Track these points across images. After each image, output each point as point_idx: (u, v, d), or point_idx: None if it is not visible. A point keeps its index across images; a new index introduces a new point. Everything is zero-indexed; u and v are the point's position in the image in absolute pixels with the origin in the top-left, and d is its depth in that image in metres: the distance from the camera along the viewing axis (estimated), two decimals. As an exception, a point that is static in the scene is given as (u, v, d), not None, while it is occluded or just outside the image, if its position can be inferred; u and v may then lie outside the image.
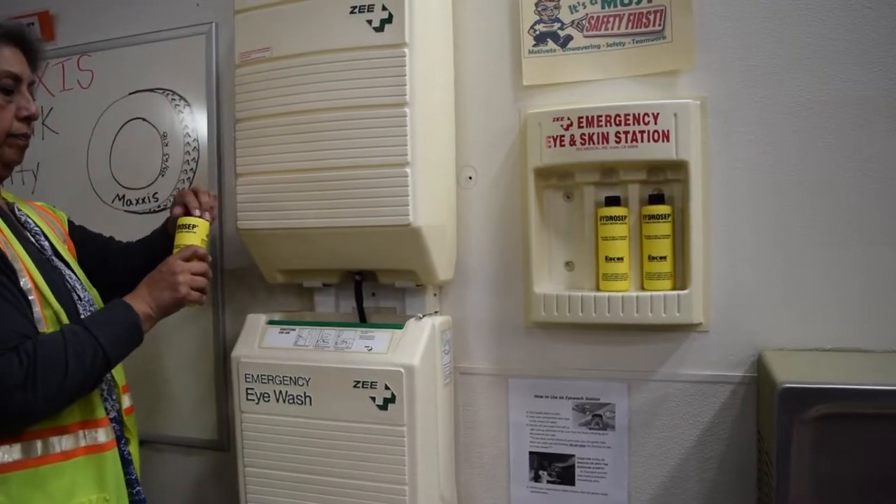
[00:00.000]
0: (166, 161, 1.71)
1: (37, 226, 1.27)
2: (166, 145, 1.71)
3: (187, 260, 1.27)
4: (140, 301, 1.20)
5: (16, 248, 1.12)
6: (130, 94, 1.75)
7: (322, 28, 1.31)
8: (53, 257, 1.24)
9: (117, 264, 1.40)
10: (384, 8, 1.27)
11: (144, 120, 1.74)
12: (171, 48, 1.71)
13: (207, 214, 1.34)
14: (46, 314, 1.11)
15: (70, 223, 1.42)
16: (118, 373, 1.27)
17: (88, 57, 1.81)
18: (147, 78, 1.74)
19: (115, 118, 1.77)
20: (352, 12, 1.29)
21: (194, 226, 1.32)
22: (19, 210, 1.27)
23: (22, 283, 1.09)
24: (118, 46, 1.78)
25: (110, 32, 1.79)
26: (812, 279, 1.28)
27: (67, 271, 1.24)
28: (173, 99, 1.71)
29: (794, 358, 1.24)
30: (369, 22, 1.28)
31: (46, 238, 1.26)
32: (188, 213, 1.33)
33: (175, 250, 1.29)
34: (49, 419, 1.09)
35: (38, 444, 1.09)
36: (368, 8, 1.28)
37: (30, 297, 1.10)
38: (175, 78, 1.71)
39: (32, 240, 1.23)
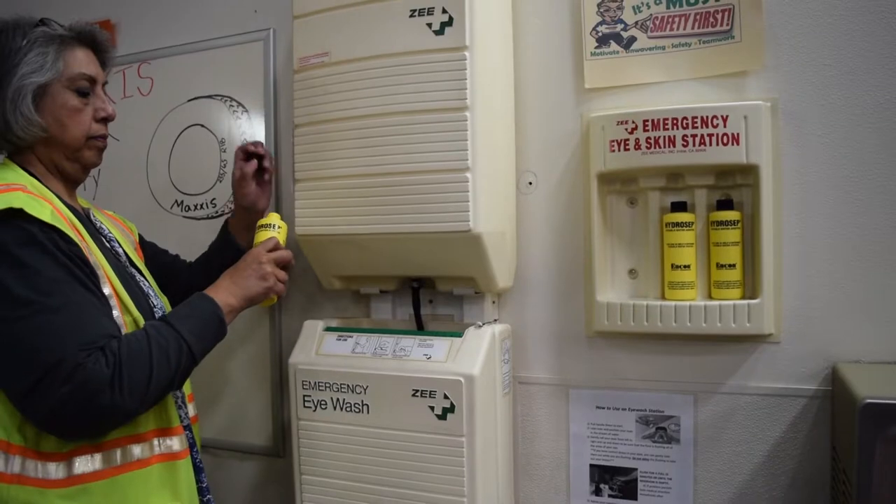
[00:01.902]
0: (224, 167, 1.72)
1: (110, 232, 1.28)
2: (224, 151, 1.72)
3: (271, 251, 1.28)
4: (223, 292, 1.21)
5: (97, 255, 1.13)
6: (189, 100, 1.77)
7: (381, 32, 1.30)
8: (128, 264, 1.25)
9: (182, 281, 1.42)
10: (444, 11, 1.26)
11: (203, 126, 1.75)
12: (229, 55, 1.73)
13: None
14: (126, 321, 1.12)
15: (140, 236, 1.44)
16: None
17: (148, 65, 1.84)
18: (205, 84, 1.76)
19: (174, 125, 1.79)
20: (411, 15, 1.28)
21: (277, 226, 1.35)
22: (94, 216, 1.28)
23: (104, 290, 1.10)
24: (177, 54, 1.80)
25: (170, 40, 1.82)
26: (890, 288, 1.22)
27: (141, 278, 1.25)
28: (231, 105, 1.72)
29: (873, 371, 1.18)
30: (429, 25, 1.27)
31: (120, 245, 1.28)
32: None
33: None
34: (129, 424, 1.10)
35: (118, 452, 1.09)
36: (428, 11, 1.26)
37: (111, 303, 1.10)
38: (233, 84, 1.72)
39: (108, 246, 1.24)
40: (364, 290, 1.49)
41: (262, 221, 1.37)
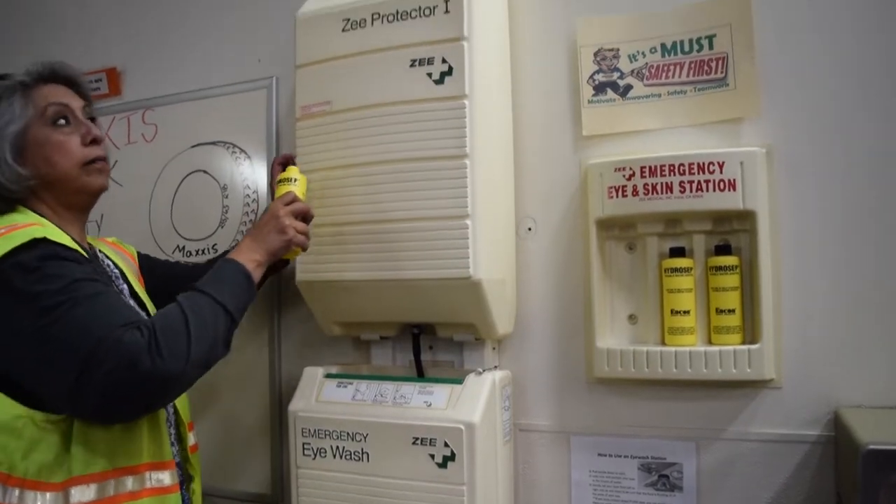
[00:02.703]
0: (226, 213, 1.73)
1: (116, 267, 1.29)
2: (226, 197, 1.74)
3: (288, 204, 1.28)
4: (245, 252, 1.21)
5: None
6: (192, 146, 1.79)
7: (382, 81, 1.32)
8: (131, 299, 1.26)
9: (183, 282, 1.41)
10: (444, 61, 1.28)
11: (205, 172, 1.77)
12: (233, 102, 1.75)
13: None
14: None
15: (138, 254, 1.45)
16: (184, 409, 1.27)
17: (153, 111, 1.86)
18: (209, 131, 1.78)
19: (177, 170, 1.81)
20: (412, 65, 1.30)
21: (295, 179, 1.33)
22: (101, 252, 1.30)
23: None
24: (182, 101, 1.82)
25: (174, 88, 1.84)
26: (891, 331, 1.22)
27: (143, 313, 1.25)
28: (233, 151, 1.74)
29: (876, 416, 1.17)
30: (429, 75, 1.29)
31: (126, 279, 1.29)
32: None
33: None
34: (125, 455, 1.10)
35: (112, 483, 1.09)
36: (428, 61, 1.29)
37: None
38: (236, 131, 1.74)
39: (114, 284, 1.25)
40: (364, 337, 1.49)
41: (282, 176, 1.35)
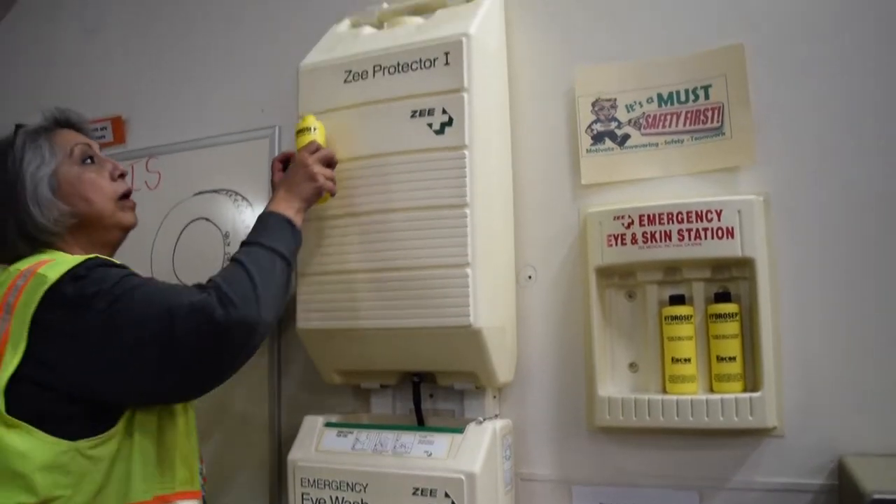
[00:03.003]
0: (227, 260, 1.73)
1: None
2: (228, 245, 1.75)
3: (314, 153, 1.32)
4: (281, 203, 1.26)
5: None
6: (195, 194, 1.81)
7: (383, 132, 1.34)
8: None
9: None
10: (444, 112, 1.30)
11: (207, 220, 1.78)
12: (235, 151, 1.77)
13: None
14: None
15: None
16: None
17: (156, 159, 1.88)
18: (211, 179, 1.80)
19: (180, 218, 1.82)
20: (412, 116, 1.32)
21: (314, 128, 1.37)
22: None
23: None
24: (185, 149, 1.85)
25: (178, 136, 1.87)
26: (893, 378, 1.22)
27: None
28: (236, 199, 1.76)
29: (879, 464, 1.16)
30: (430, 125, 1.31)
31: None
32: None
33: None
34: (159, 482, 1.12)
35: None
36: (429, 112, 1.31)
37: None
38: (238, 179, 1.76)
39: None
40: (364, 385, 1.48)
41: (300, 126, 1.38)
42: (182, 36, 1.93)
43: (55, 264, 1.09)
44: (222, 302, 1.05)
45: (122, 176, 1.27)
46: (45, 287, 1.06)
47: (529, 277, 1.46)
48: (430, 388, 1.45)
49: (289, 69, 1.53)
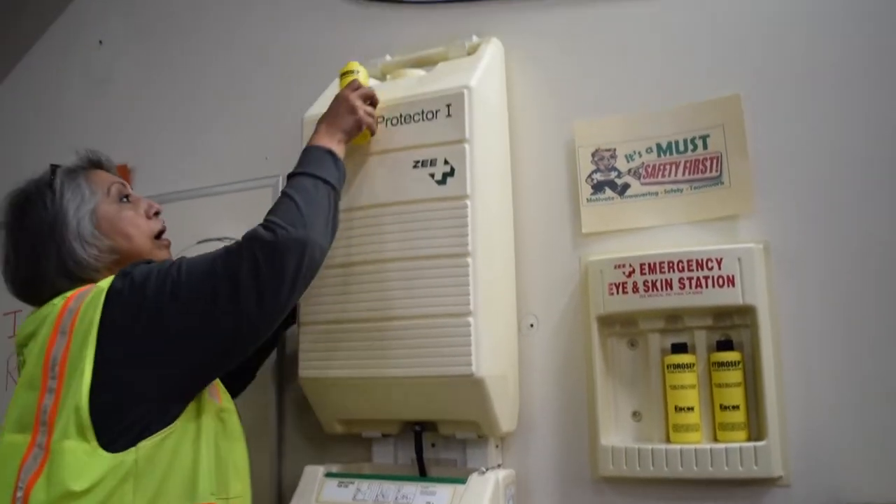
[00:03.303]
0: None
1: None
2: (230, 292, 1.75)
3: (355, 90, 1.35)
4: (322, 136, 1.29)
5: None
6: (199, 242, 1.81)
7: (386, 182, 1.36)
8: None
9: None
10: (446, 162, 1.31)
11: (210, 268, 1.78)
12: (239, 199, 1.79)
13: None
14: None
15: None
16: None
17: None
18: (214, 227, 1.80)
19: (183, 266, 1.82)
20: (414, 166, 1.34)
21: (357, 70, 1.41)
22: None
23: None
24: (189, 198, 1.86)
25: (182, 184, 1.89)
26: (898, 427, 1.21)
27: None
28: (239, 247, 1.76)
29: (886, 514, 1.16)
30: (432, 175, 1.32)
31: None
32: None
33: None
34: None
35: None
36: (431, 162, 1.32)
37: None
38: (241, 227, 1.70)
39: None
40: (366, 434, 1.47)
41: (343, 70, 1.42)
42: (187, 86, 1.97)
43: (102, 282, 1.12)
44: (269, 228, 1.11)
45: (157, 214, 1.31)
46: (103, 293, 1.09)
47: (531, 326, 1.46)
48: (432, 438, 1.43)
49: (293, 120, 1.55)
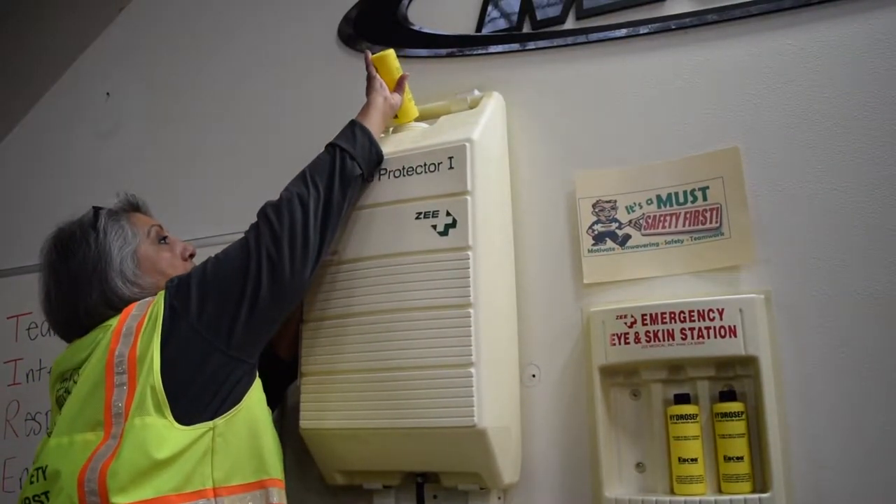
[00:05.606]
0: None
1: None
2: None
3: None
4: (361, 116, 1.43)
5: None
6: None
7: (388, 233, 1.38)
8: None
9: None
10: (448, 214, 1.33)
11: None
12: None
13: None
14: None
15: None
16: None
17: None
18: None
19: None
20: (417, 218, 1.35)
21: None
22: None
23: None
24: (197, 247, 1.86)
25: (188, 234, 1.87)
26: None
27: None
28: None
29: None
30: (434, 227, 1.34)
31: None
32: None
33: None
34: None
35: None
36: (433, 214, 1.34)
37: None
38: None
39: None
40: (367, 485, 1.46)
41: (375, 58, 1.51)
42: (193, 137, 1.99)
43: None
44: (273, 202, 1.29)
45: (192, 256, 1.38)
46: (163, 292, 1.20)
47: (533, 376, 1.46)
48: (433, 489, 1.42)
49: (297, 168, 1.57)
